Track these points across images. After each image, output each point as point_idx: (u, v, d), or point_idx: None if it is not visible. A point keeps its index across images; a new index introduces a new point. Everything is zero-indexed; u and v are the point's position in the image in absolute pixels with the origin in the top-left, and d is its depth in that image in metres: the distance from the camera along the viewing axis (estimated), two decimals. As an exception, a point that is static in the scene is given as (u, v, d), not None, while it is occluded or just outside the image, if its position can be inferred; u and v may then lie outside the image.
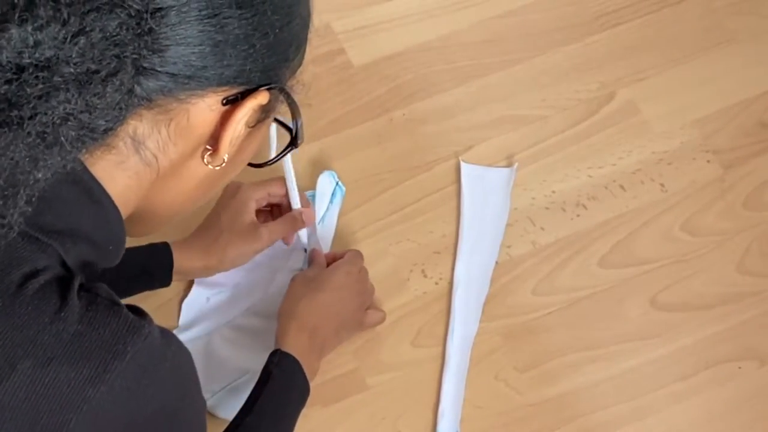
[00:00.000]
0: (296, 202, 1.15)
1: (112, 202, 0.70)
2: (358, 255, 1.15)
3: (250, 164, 0.80)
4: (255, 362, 1.06)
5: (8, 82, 0.58)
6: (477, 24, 1.35)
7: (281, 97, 0.73)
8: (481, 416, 1.12)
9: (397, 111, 1.29)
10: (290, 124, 0.78)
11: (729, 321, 1.18)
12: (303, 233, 1.17)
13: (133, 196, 0.72)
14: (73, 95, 0.60)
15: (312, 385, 1.04)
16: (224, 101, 0.69)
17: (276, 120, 0.79)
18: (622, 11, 1.36)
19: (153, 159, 0.69)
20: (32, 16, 0.58)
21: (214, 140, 0.71)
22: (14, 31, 0.58)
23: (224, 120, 0.70)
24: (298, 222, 1.15)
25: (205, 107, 0.68)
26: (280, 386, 1.00)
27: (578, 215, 1.23)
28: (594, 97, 1.30)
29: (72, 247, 0.69)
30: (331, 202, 1.21)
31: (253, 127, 0.72)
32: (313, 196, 1.21)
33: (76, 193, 0.68)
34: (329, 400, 1.12)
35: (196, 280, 1.17)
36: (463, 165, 1.24)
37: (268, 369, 1.01)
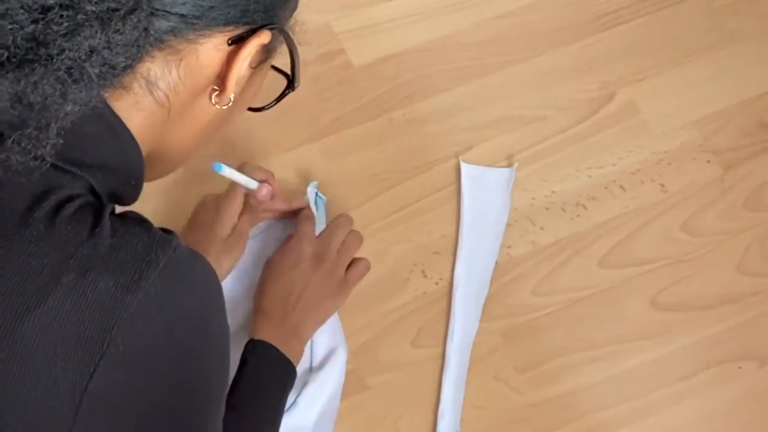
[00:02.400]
0: (250, 185, 1.12)
1: (132, 137, 0.74)
2: (305, 224, 1.15)
3: (250, 108, 0.85)
4: None
5: (35, 21, 0.63)
6: (477, 24, 1.35)
7: (281, 38, 0.77)
8: (481, 416, 1.12)
9: (397, 111, 1.29)
10: (286, 70, 0.82)
11: (729, 321, 1.18)
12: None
13: (147, 137, 0.76)
14: (96, 31, 0.64)
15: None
16: (230, 41, 0.73)
17: (273, 67, 0.83)
18: (622, 11, 1.36)
19: (165, 99, 0.73)
20: None
21: (220, 80, 0.75)
22: None
23: (230, 59, 0.74)
24: (261, 204, 1.15)
25: (212, 47, 0.72)
26: (255, 370, 1.02)
27: (578, 215, 1.23)
28: (594, 97, 1.30)
29: (100, 178, 0.73)
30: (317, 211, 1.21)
31: (255, 67, 0.77)
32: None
33: (101, 128, 0.72)
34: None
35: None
36: (463, 165, 1.24)
37: (243, 357, 1.03)
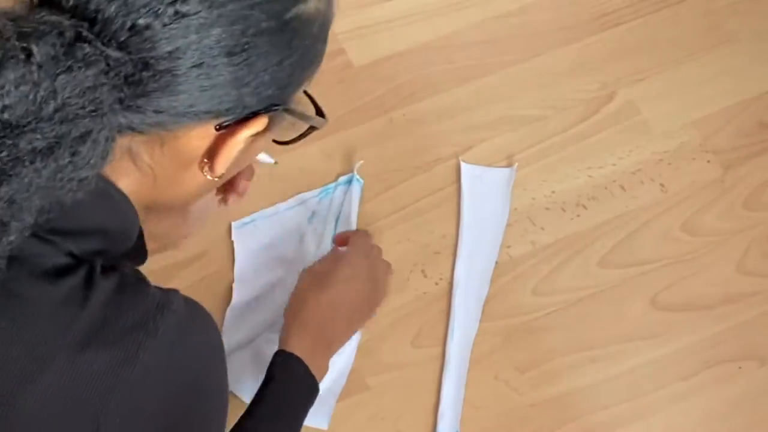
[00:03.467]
0: (265, 159, 1.08)
1: (124, 196, 0.71)
2: (365, 236, 1.15)
3: (275, 141, 0.78)
4: None
5: None
6: (477, 24, 1.35)
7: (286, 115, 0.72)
8: (481, 416, 1.12)
9: (397, 111, 1.29)
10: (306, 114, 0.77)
11: (729, 321, 1.18)
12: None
13: (137, 197, 0.72)
14: (44, 162, 0.59)
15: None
16: (217, 127, 0.68)
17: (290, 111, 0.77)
18: (622, 11, 1.36)
19: (148, 169, 0.70)
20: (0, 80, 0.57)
21: (209, 156, 0.70)
22: None
23: (217, 143, 0.69)
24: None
25: (198, 135, 0.68)
26: (282, 388, 1.00)
27: (578, 215, 1.23)
28: (594, 97, 1.30)
29: (84, 242, 0.69)
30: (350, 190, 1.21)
31: (255, 136, 0.71)
32: (332, 189, 1.21)
33: (92, 193, 0.67)
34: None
35: (235, 283, 1.17)
36: (463, 165, 1.24)
37: (270, 371, 1.00)
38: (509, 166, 1.25)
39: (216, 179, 0.73)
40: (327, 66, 1.33)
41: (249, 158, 0.77)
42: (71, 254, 0.68)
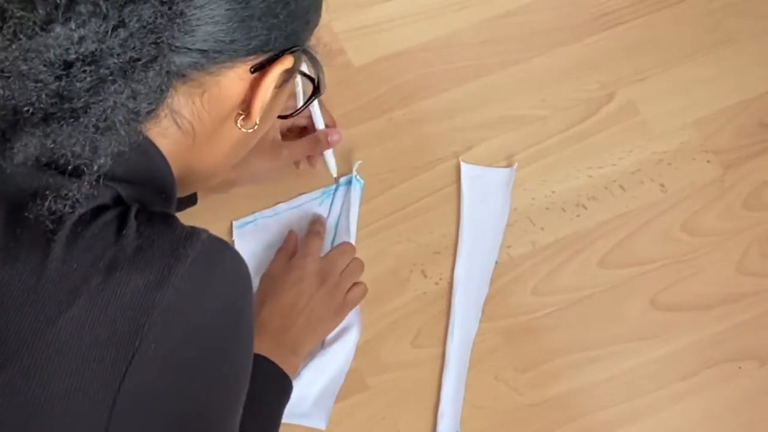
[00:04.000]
0: (320, 124, 1.16)
1: (162, 155, 0.74)
2: (313, 242, 1.15)
3: (279, 116, 0.86)
4: None
5: (58, 78, 0.63)
6: (477, 24, 1.35)
7: (304, 56, 0.78)
8: (481, 416, 1.12)
9: (397, 111, 1.29)
10: (312, 74, 0.84)
11: (729, 321, 1.18)
12: (329, 155, 1.18)
13: (174, 161, 0.76)
14: (119, 84, 0.65)
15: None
16: (252, 69, 0.73)
17: (299, 72, 0.83)
18: (622, 11, 1.36)
19: (189, 127, 0.74)
20: (75, 14, 0.63)
21: (245, 105, 0.76)
22: (59, 29, 0.62)
23: (254, 86, 0.74)
24: (322, 143, 1.17)
25: (235, 77, 0.73)
26: (253, 385, 1.00)
27: (578, 215, 1.23)
28: (594, 97, 1.30)
29: (130, 190, 0.73)
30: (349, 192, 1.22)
31: (279, 87, 0.77)
32: (332, 190, 1.22)
33: (131, 148, 0.71)
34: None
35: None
36: (463, 165, 1.24)
37: None
38: (509, 166, 1.25)
39: (250, 131, 0.77)
40: (327, 66, 1.33)
41: (276, 110, 0.82)
42: (118, 197, 0.72)
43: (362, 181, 1.22)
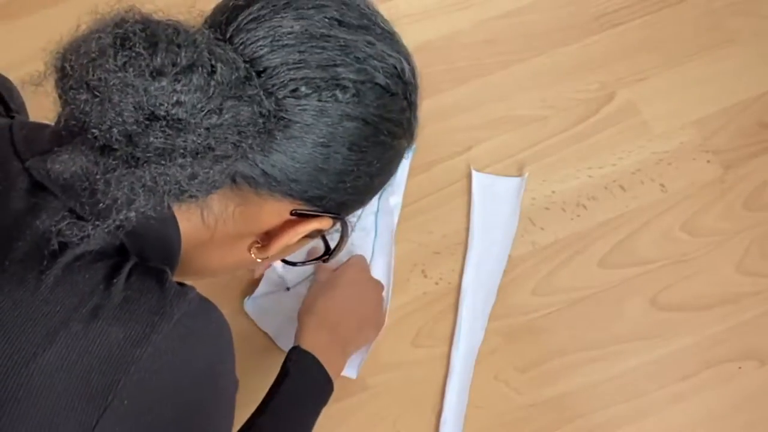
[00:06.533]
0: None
1: (177, 227, 0.75)
2: (362, 258, 1.16)
3: (284, 260, 0.89)
4: None
5: (138, 123, 0.64)
6: (477, 24, 1.35)
7: (339, 225, 0.79)
8: (481, 416, 1.12)
9: (397, 111, 1.29)
10: (329, 239, 0.84)
11: (729, 321, 1.18)
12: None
13: (186, 245, 0.76)
14: (186, 161, 0.66)
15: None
16: (294, 212, 0.75)
17: (322, 234, 0.83)
18: (622, 11, 1.36)
19: (213, 224, 0.75)
20: (186, 79, 0.64)
21: (267, 237, 0.77)
22: (165, 83, 0.64)
23: (286, 226, 0.76)
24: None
25: (275, 210, 0.74)
26: (297, 385, 0.99)
27: (578, 215, 1.23)
28: (594, 97, 1.30)
29: (138, 244, 0.73)
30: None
31: (304, 238, 0.78)
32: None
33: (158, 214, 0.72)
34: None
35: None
36: (474, 174, 1.24)
37: (285, 367, 0.99)
38: (519, 175, 1.24)
39: (258, 260, 0.79)
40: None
41: (286, 254, 0.84)
42: (122, 246, 0.72)
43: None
